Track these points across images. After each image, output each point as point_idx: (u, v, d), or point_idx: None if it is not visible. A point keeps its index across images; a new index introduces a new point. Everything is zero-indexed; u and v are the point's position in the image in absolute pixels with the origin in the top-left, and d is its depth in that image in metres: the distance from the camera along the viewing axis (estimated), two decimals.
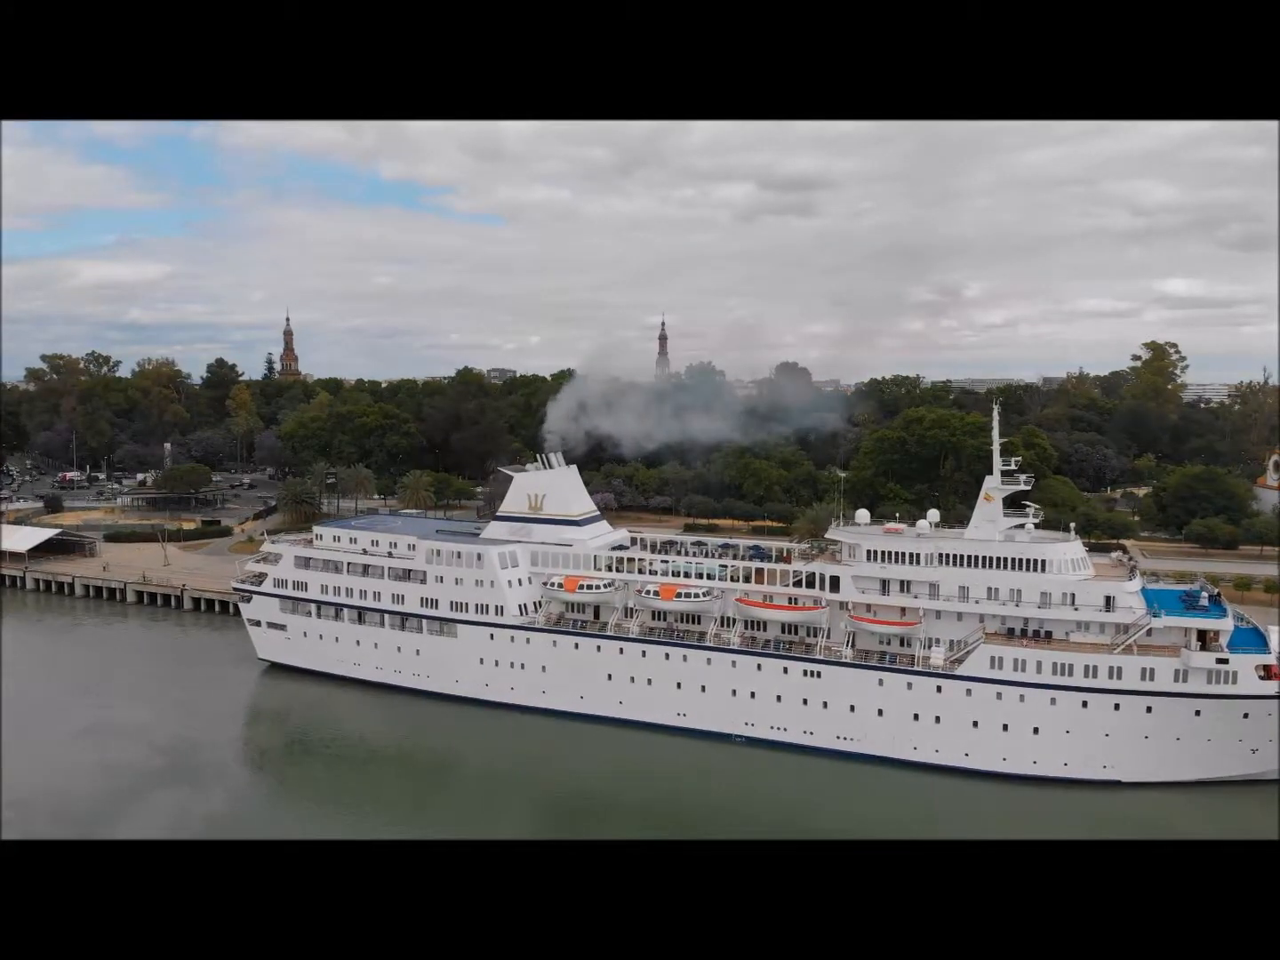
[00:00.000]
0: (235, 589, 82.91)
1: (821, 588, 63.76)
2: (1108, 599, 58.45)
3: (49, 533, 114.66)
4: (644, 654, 65.99)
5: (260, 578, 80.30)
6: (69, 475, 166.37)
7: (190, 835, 49.47)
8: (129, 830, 50.87)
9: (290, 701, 74.43)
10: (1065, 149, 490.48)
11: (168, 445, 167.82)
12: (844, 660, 61.68)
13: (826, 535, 68.23)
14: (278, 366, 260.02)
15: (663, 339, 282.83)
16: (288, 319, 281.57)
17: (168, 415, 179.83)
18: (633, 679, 66.21)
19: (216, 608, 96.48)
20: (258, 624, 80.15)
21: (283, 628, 78.78)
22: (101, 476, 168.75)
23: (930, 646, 60.45)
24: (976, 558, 60.51)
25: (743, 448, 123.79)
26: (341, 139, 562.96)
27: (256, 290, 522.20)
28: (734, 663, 63.86)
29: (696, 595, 66.12)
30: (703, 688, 64.48)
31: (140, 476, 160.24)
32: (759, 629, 65.58)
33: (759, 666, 63.30)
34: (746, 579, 66.25)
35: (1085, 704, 56.40)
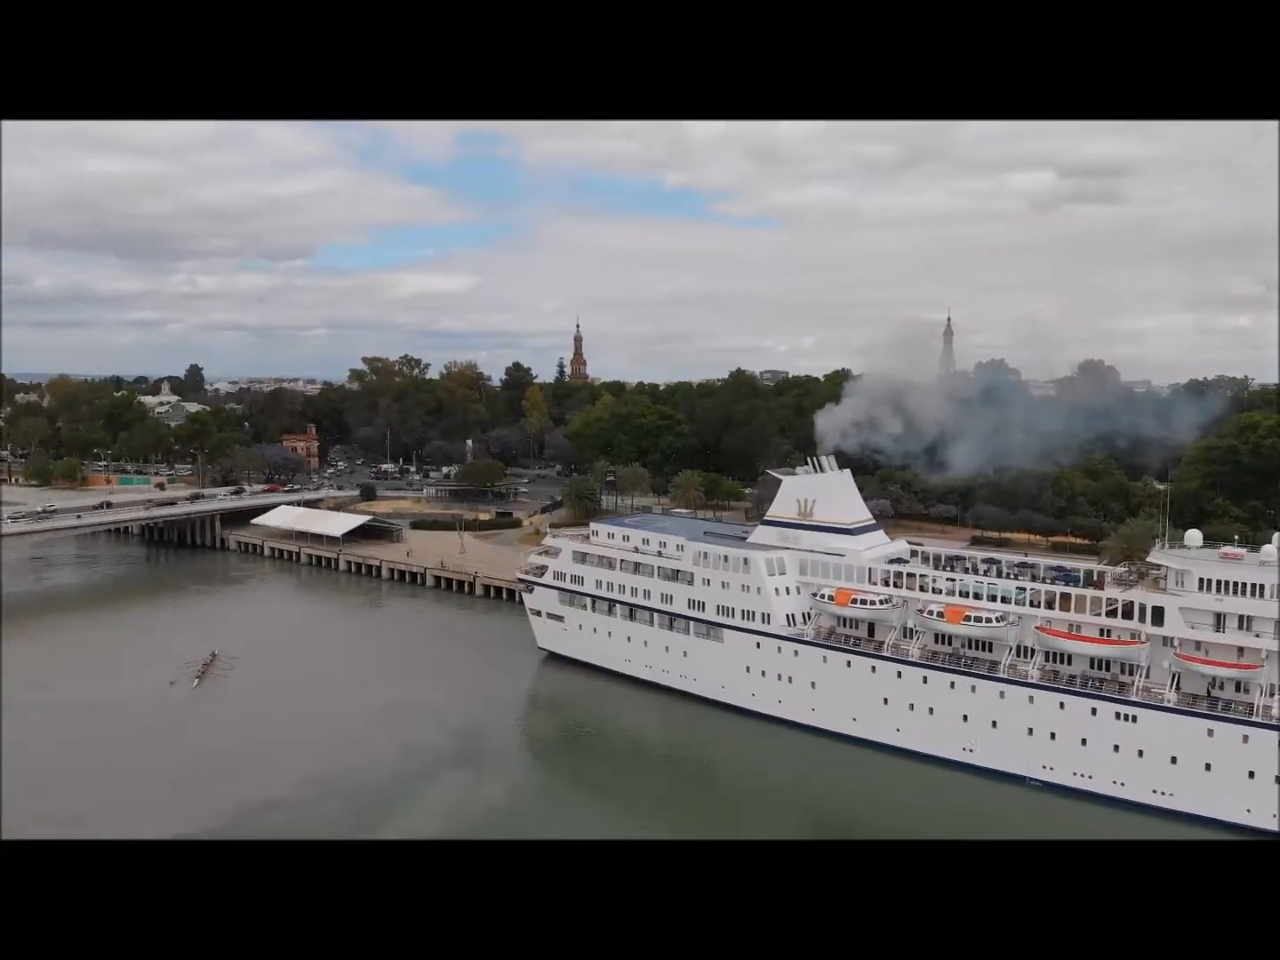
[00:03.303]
0: (519, 579, 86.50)
1: (1141, 619, 55.54)
2: None
3: (362, 519, 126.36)
4: (925, 680, 60.74)
5: (542, 570, 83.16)
6: (384, 467, 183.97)
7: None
8: (408, 817, 53.62)
9: (565, 693, 76.46)
10: None
11: (469, 442, 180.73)
12: (1166, 704, 53.36)
13: (1149, 559, 59.41)
14: (568, 370, 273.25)
15: (948, 335, 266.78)
16: (578, 325, 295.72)
17: (470, 414, 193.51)
18: (912, 706, 61.12)
19: (504, 595, 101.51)
20: (538, 614, 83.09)
21: (560, 619, 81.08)
22: (412, 469, 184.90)
23: (1273, 694, 50.93)
24: None
25: (1084, 464, 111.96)
26: (630, 150, 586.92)
27: (550, 299, 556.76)
28: (1031, 698, 57.11)
29: (989, 620, 59.91)
30: (993, 723, 58.26)
31: (444, 470, 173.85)
32: (1062, 662, 58.30)
33: (1061, 705, 56.16)
34: (1049, 604, 59.07)
35: None
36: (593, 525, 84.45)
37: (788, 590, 68.00)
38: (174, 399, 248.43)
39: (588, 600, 78.65)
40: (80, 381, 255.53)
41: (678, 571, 73.00)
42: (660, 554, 75.16)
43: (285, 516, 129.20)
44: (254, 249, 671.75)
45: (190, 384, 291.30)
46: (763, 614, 67.93)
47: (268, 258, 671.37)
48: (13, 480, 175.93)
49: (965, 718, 59.24)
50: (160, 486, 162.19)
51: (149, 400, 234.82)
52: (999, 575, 63.91)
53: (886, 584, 65.09)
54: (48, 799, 53.71)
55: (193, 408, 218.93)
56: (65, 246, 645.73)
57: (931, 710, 60.46)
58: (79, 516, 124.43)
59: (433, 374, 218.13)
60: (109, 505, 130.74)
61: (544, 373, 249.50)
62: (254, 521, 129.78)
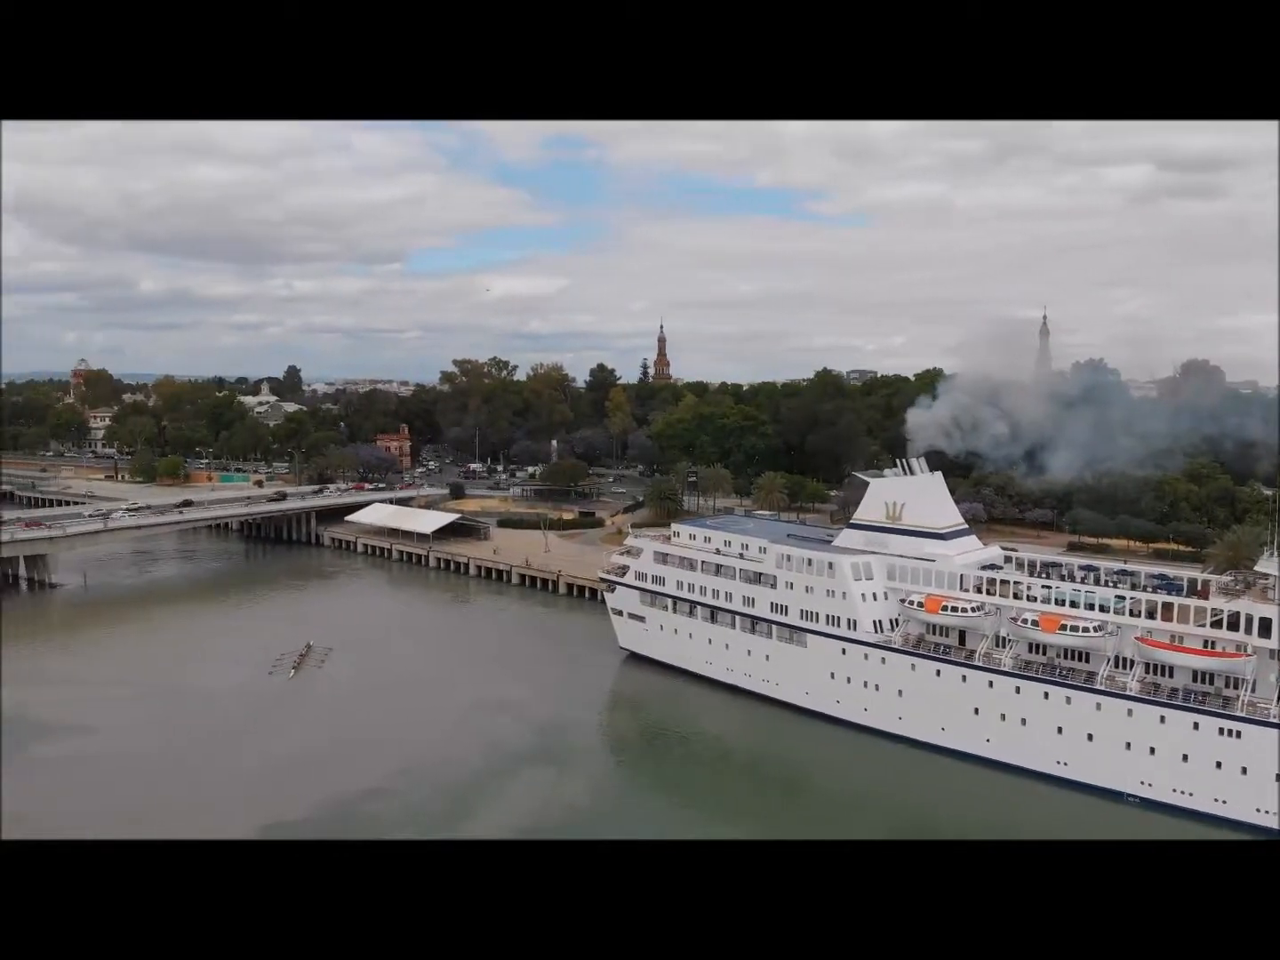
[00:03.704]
0: (601, 579, 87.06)
1: (1248, 631, 52.99)
2: None
3: (451, 517, 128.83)
4: (1018, 690, 59.03)
5: (623, 570, 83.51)
6: (472, 466, 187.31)
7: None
8: (491, 812, 54.54)
9: (646, 693, 76.66)
10: None
11: (554, 442, 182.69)
12: (1272, 720, 50.83)
13: (1256, 567, 56.65)
14: (651, 371, 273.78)
15: (1043, 333, 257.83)
16: (661, 326, 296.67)
17: (555, 415, 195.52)
18: (1003, 716, 59.48)
19: (586, 594, 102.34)
20: (620, 614, 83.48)
21: (641, 619, 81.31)
22: (499, 468, 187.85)
23: None
24: None
25: (1188, 468, 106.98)
26: (717, 151, 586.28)
27: (636, 300, 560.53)
28: (1130, 711, 55.03)
29: (1086, 629, 57.89)
30: (1089, 736, 56.33)
31: (529, 470, 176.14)
32: (1163, 674, 55.98)
33: (1162, 718, 53.95)
34: (1150, 614, 56.78)
35: None
36: (674, 526, 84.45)
37: (875, 596, 66.84)
38: (273, 399, 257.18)
39: (669, 601, 78.65)
40: (184, 382, 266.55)
41: (760, 574, 72.45)
42: (742, 556, 74.69)
43: (378, 514, 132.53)
44: (349, 253, 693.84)
45: (289, 385, 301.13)
46: (848, 620, 66.91)
47: (363, 261, 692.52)
48: (119, 477, 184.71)
49: (1059, 730, 57.41)
50: (259, 484, 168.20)
51: (249, 400, 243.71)
52: (1097, 583, 61.78)
53: (979, 591, 63.45)
54: (148, 787, 56.42)
55: (290, 408, 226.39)
56: (170, 251, 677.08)
57: (1024, 721, 58.73)
58: (181, 511, 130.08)
59: (520, 375, 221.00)
60: (189, 504, 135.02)
61: (628, 373, 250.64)
62: (348, 519, 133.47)
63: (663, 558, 79.68)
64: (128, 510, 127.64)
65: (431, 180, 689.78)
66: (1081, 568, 65.74)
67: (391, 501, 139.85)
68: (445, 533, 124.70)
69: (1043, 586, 61.73)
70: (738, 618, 73.71)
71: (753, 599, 72.70)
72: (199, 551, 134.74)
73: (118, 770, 58.27)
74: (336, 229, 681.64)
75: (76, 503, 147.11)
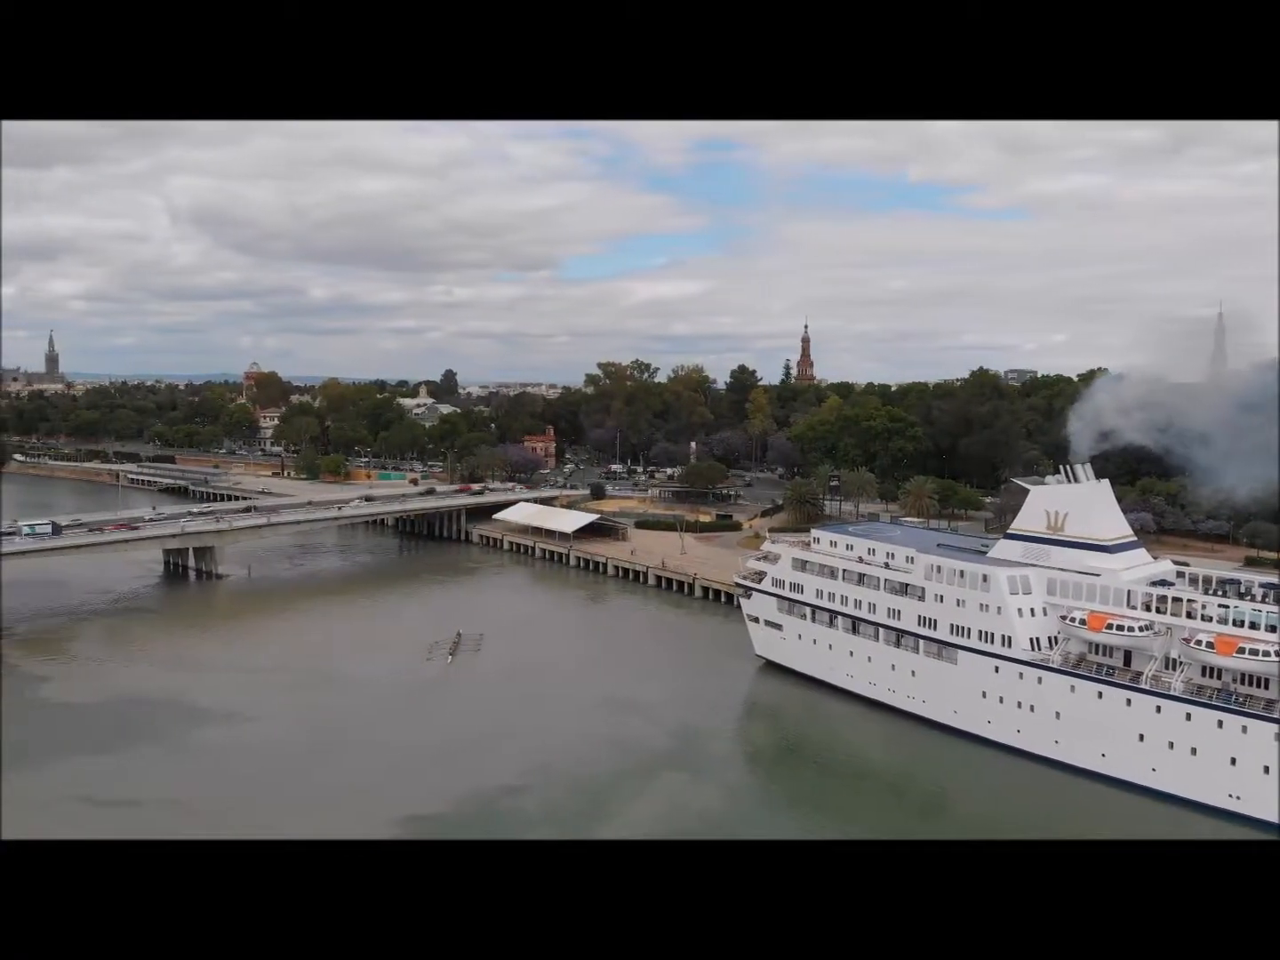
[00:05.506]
0: (737, 584, 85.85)
1: None
2: None
3: (591, 517, 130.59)
4: (1189, 717, 54.41)
5: (760, 575, 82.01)
6: (613, 467, 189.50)
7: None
8: (624, 814, 54.37)
9: (783, 703, 75.12)
10: None
11: (693, 444, 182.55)
12: None
13: None
14: (794, 372, 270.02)
15: (1219, 332, 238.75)
16: (805, 326, 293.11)
17: (695, 417, 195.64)
18: (1171, 745, 54.94)
19: (722, 598, 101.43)
20: (756, 620, 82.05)
21: (778, 627, 79.64)
22: (639, 469, 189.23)
23: None
24: None
25: None
26: (867, 147, 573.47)
27: (779, 301, 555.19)
28: None
29: (1266, 653, 52.84)
30: (1265, 768, 51.36)
31: (668, 471, 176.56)
32: None
33: None
34: None
35: None
36: (814, 532, 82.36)
37: (1032, 611, 63.00)
38: (430, 401, 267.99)
39: (807, 610, 76.66)
40: (348, 384, 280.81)
41: (907, 585, 69.57)
42: (887, 565, 72.01)
43: (522, 513, 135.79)
44: (504, 261, 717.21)
45: (445, 387, 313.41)
46: (1003, 636, 63.30)
47: (516, 269, 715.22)
48: (285, 474, 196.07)
49: (1233, 761, 52.60)
50: (414, 482, 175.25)
51: (407, 402, 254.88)
52: (1279, 603, 56.33)
53: (1148, 609, 58.83)
54: (296, 776, 59.05)
55: (446, 409, 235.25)
56: (337, 260, 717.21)
57: (1194, 751, 54.10)
58: (339, 508, 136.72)
59: (661, 377, 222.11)
60: (311, 504, 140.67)
61: (770, 375, 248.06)
62: (495, 517, 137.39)
63: (802, 564, 77.77)
64: (363, 499, 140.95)
65: (583, 188, 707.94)
66: (1262, 585, 60.15)
67: (536, 500, 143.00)
68: (585, 532, 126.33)
69: (1219, 605, 56.80)
70: (881, 630, 71.06)
71: (898, 611, 69.92)
72: (356, 546, 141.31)
73: (270, 758, 60.89)
74: (492, 237, 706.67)
75: (246, 498, 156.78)
